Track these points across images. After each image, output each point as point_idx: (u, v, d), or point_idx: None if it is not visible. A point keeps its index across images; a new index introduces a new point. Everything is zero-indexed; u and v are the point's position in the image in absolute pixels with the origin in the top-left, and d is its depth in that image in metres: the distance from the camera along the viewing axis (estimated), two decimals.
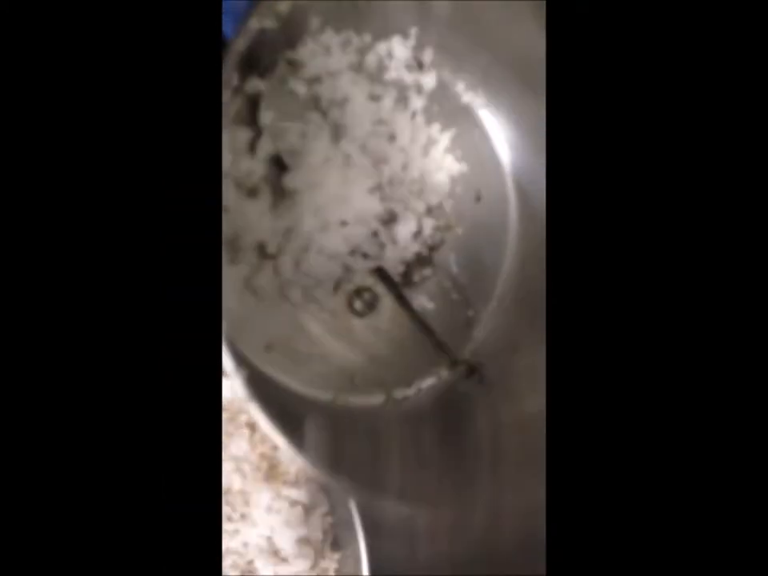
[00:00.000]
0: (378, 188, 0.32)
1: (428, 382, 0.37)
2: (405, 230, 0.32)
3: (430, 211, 0.35)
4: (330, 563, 0.34)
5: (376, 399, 0.35)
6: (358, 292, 0.35)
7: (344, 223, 0.31)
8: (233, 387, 0.24)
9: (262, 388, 0.25)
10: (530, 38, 0.31)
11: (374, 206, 0.31)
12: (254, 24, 0.23)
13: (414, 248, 0.34)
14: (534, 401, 0.33)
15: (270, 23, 0.24)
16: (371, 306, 0.35)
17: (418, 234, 0.34)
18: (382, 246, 0.32)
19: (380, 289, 0.35)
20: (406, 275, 0.35)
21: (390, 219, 0.32)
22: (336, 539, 0.34)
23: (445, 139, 0.35)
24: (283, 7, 0.25)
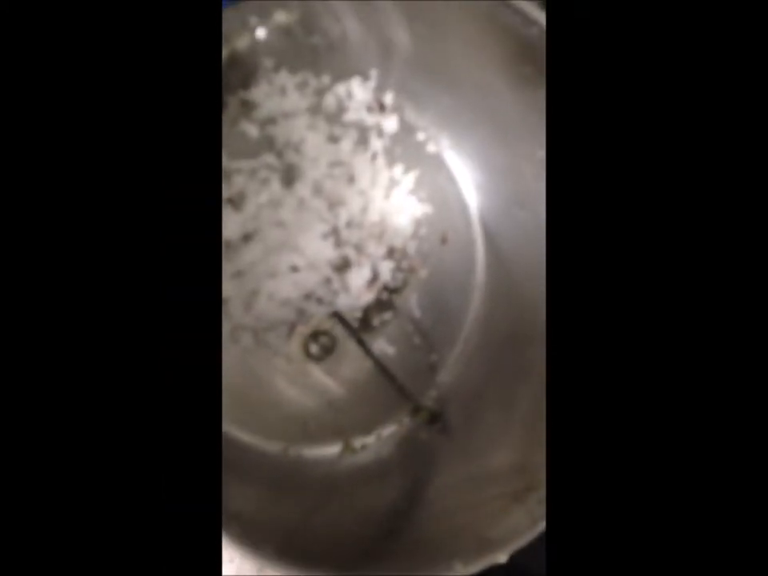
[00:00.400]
0: (332, 232, 0.31)
1: (389, 430, 0.35)
2: (358, 277, 0.31)
3: (391, 254, 0.34)
4: None
5: (332, 449, 0.34)
6: (315, 336, 0.34)
7: (295, 269, 0.29)
8: None
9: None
10: (495, 79, 0.30)
11: (327, 251, 0.30)
12: None
13: (369, 296, 0.33)
14: (498, 456, 0.32)
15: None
16: (329, 350, 0.34)
17: (373, 280, 0.32)
18: (335, 293, 0.31)
19: (338, 332, 0.34)
20: (365, 319, 0.34)
21: (343, 265, 0.31)
22: None
23: (408, 181, 0.34)
24: (241, 45, 0.24)
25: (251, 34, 0.21)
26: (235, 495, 0.27)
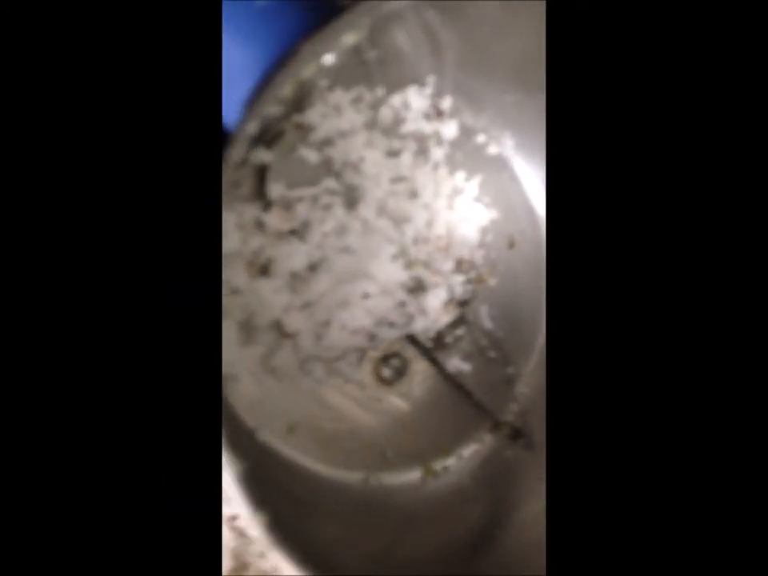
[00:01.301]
0: (401, 253, 0.29)
1: (470, 449, 0.34)
2: (435, 299, 0.30)
3: (460, 266, 0.32)
4: None
5: (413, 474, 0.32)
6: (386, 359, 0.32)
7: (366, 296, 0.28)
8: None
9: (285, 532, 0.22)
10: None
11: (398, 274, 0.29)
12: (259, 111, 0.21)
13: (446, 317, 0.31)
14: None
15: (275, 109, 0.22)
16: (401, 372, 0.33)
17: (450, 301, 0.31)
18: (410, 316, 0.30)
19: (409, 352, 0.33)
20: (437, 338, 0.32)
21: (417, 288, 0.29)
22: None
23: (472, 187, 0.32)
24: (288, 91, 0.23)
25: (318, 61, 0.19)
26: (316, 529, 0.26)
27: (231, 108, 0.22)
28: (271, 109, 0.21)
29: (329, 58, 0.20)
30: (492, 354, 0.34)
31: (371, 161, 0.28)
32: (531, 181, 0.34)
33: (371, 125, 0.29)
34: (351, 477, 0.31)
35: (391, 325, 0.30)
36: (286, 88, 0.21)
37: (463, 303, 0.33)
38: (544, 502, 0.30)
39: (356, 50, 0.24)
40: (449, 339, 0.33)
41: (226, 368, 0.21)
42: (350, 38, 0.20)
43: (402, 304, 0.29)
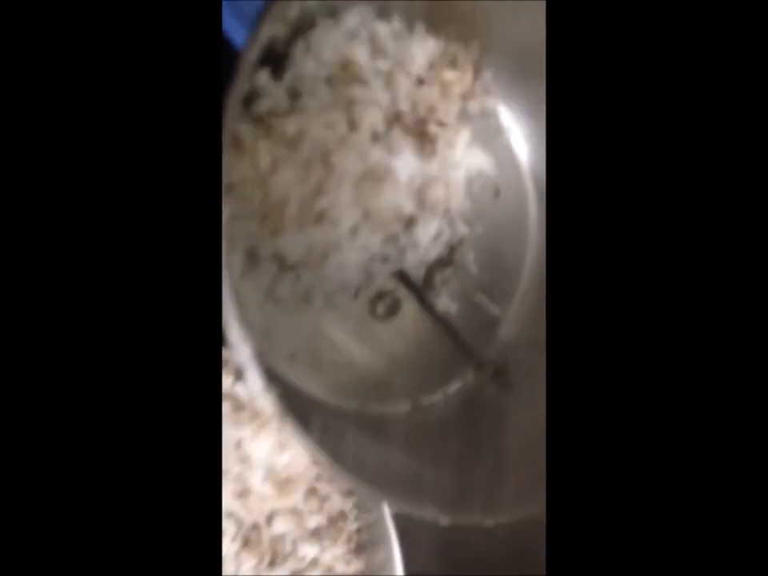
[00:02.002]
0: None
1: (454, 387, 0.36)
2: (425, 232, 0.31)
3: (448, 211, 0.34)
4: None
5: (402, 407, 0.34)
6: (380, 296, 0.34)
7: (363, 229, 0.30)
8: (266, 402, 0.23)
9: (294, 402, 0.24)
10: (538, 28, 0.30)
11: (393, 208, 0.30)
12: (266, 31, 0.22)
13: (435, 251, 0.33)
14: None
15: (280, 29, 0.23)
16: (393, 309, 0.35)
17: (438, 236, 0.33)
18: (402, 249, 0.32)
19: (401, 292, 0.35)
20: (427, 278, 0.34)
21: (409, 222, 0.31)
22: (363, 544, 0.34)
23: (464, 136, 0.34)
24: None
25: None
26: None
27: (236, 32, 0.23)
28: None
29: None
30: (477, 296, 0.36)
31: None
32: (516, 133, 0.36)
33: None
34: (348, 404, 0.32)
35: (385, 259, 0.32)
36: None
37: (452, 248, 0.35)
38: (520, 437, 0.33)
39: None
40: (437, 280, 0.35)
41: (234, 296, 0.22)
42: None
43: (396, 237, 0.31)
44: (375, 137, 0.29)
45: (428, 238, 0.31)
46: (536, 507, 0.28)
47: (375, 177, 0.28)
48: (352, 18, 0.28)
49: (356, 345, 0.33)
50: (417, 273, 0.34)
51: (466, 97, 0.33)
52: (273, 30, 0.24)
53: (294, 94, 0.27)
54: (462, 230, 0.35)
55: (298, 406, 0.24)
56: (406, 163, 0.30)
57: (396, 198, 0.29)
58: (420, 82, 0.31)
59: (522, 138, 0.36)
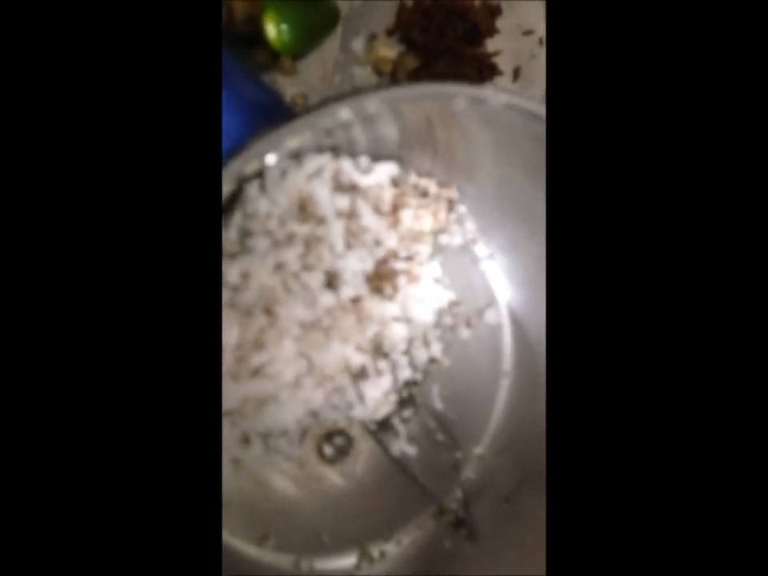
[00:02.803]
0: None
1: (410, 535, 0.32)
2: (376, 389, 0.29)
3: (411, 345, 0.32)
4: None
5: (347, 560, 0.31)
6: (329, 436, 0.31)
7: (306, 383, 0.27)
8: None
9: None
10: (515, 169, 0.28)
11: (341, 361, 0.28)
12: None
13: (388, 408, 0.30)
14: (533, 569, 0.29)
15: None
16: (344, 451, 0.32)
17: (392, 386, 0.30)
18: (350, 404, 0.29)
19: (355, 430, 0.32)
20: (384, 420, 0.32)
21: (359, 374, 0.29)
22: None
23: (432, 269, 0.32)
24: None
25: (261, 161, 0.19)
26: None
27: None
28: None
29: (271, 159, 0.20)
30: (440, 437, 0.33)
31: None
32: (492, 266, 0.34)
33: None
34: (282, 560, 0.29)
35: (335, 408, 0.29)
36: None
37: (413, 384, 0.33)
38: None
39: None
40: (395, 421, 0.32)
41: None
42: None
43: (341, 390, 0.29)
44: (329, 282, 0.26)
45: (380, 392, 0.29)
46: None
47: (323, 327, 0.26)
48: (314, 161, 0.26)
49: (298, 491, 0.30)
50: (372, 417, 0.31)
51: (438, 231, 0.31)
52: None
53: (243, 234, 0.25)
54: (426, 365, 0.32)
55: None
56: (361, 308, 0.27)
57: (345, 350, 0.27)
58: (386, 218, 0.29)
59: (498, 270, 0.34)
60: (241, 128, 0.21)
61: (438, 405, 0.33)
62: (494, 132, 0.26)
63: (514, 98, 0.24)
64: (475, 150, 0.28)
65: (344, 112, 0.21)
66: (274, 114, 0.20)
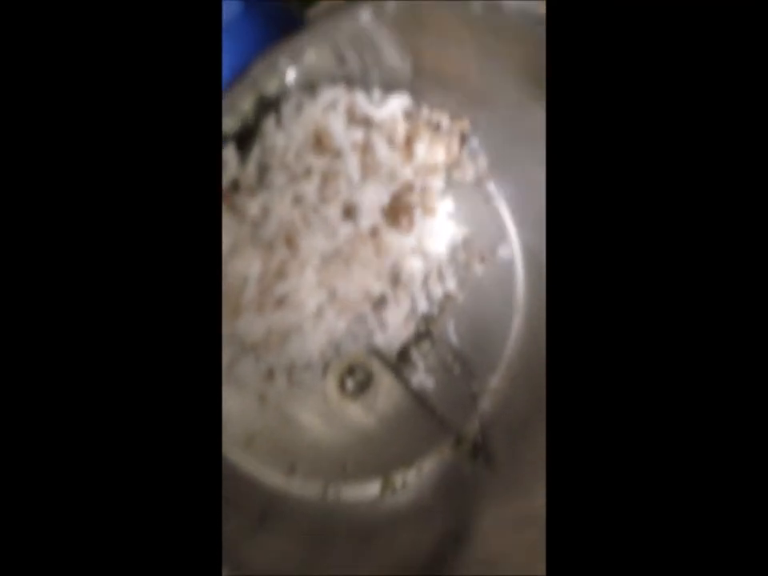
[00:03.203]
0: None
1: (430, 464, 0.34)
2: (396, 314, 0.29)
3: (427, 280, 0.32)
4: None
5: (371, 488, 0.32)
6: (350, 370, 0.32)
7: (328, 312, 0.28)
8: None
9: None
10: (521, 94, 0.28)
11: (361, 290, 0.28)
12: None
13: (407, 331, 0.31)
14: (541, 489, 0.30)
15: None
16: (365, 385, 0.33)
17: (412, 313, 0.31)
18: (371, 332, 0.30)
19: (374, 365, 0.33)
20: (403, 352, 0.32)
21: (379, 303, 0.29)
22: None
23: (446, 205, 0.32)
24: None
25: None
26: (270, 548, 0.26)
27: None
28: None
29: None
30: (457, 369, 0.34)
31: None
32: (503, 199, 0.34)
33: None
34: (310, 489, 0.30)
35: (354, 337, 0.30)
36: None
37: (430, 318, 0.33)
38: (501, 518, 0.31)
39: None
40: (414, 354, 0.33)
41: None
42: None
43: (363, 318, 0.29)
44: (347, 213, 0.27)
45: (400, 318, 0.29)
46: None
47: (343, 257, 0.26)
48: (329, 93, 0.26)
49: (322, 424, 0.31)
50: (390, 348, 0.32)
51: (451, 166, 0.31)
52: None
53: (262, 169, 0.25)
54: (441, 300, 0.33)
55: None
56: (379, 240, 0.28)
57: (365, 279, 0.27)
58: (400, 151, 0.29)
59: (510, 205, 0.34)
60: (258, 42, 0.21)
61: (454, 340, 0.34)
62: (508, 48, 0.26)
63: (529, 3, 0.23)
64: (488, 74, 0.27)
65: (364, 15, 0.21)
66: (292, 26, 0.20)
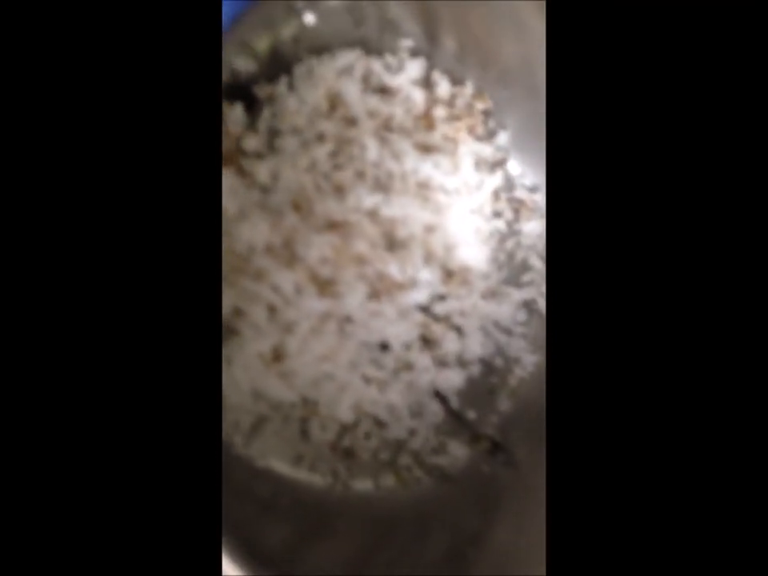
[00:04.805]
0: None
1: (447, 461, 0.32)
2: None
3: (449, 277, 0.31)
4: None
5: (385, 482, 0.30)
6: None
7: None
8: None
9: None
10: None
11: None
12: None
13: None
14: None
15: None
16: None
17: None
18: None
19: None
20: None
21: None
22: None
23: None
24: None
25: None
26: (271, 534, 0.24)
27: None
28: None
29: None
30: (475, 364, 0.32)
31: None
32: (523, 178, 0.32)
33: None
34: (318, 480, 0.29)
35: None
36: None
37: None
38: (520, 521, 0.28)
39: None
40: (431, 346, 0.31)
41: None
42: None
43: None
44: (359, 176, 0.25)
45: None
46: None
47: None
48: (345, 56, 0.25)
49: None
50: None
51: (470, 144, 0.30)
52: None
53: (272, 133, 0.24)
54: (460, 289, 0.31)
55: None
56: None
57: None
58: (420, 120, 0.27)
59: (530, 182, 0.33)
60: None
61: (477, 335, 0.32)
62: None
63: None
64: (509, 42, 0.26)
65: None
66: None
